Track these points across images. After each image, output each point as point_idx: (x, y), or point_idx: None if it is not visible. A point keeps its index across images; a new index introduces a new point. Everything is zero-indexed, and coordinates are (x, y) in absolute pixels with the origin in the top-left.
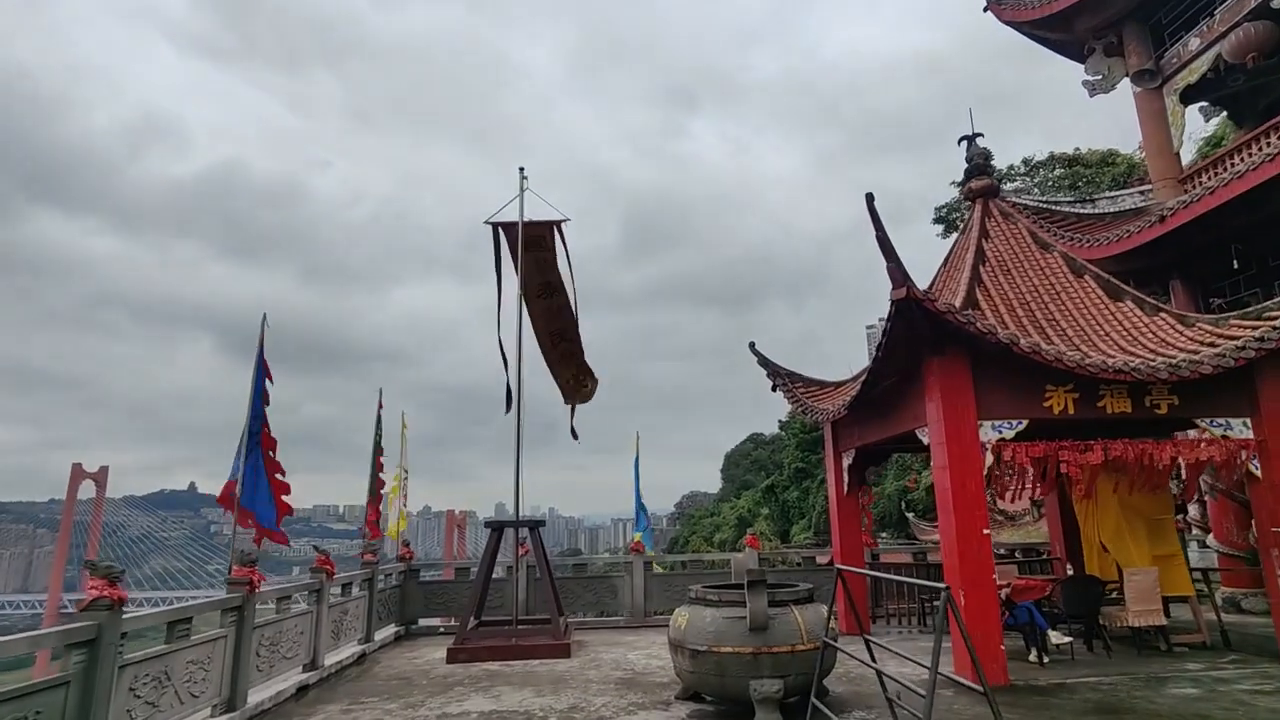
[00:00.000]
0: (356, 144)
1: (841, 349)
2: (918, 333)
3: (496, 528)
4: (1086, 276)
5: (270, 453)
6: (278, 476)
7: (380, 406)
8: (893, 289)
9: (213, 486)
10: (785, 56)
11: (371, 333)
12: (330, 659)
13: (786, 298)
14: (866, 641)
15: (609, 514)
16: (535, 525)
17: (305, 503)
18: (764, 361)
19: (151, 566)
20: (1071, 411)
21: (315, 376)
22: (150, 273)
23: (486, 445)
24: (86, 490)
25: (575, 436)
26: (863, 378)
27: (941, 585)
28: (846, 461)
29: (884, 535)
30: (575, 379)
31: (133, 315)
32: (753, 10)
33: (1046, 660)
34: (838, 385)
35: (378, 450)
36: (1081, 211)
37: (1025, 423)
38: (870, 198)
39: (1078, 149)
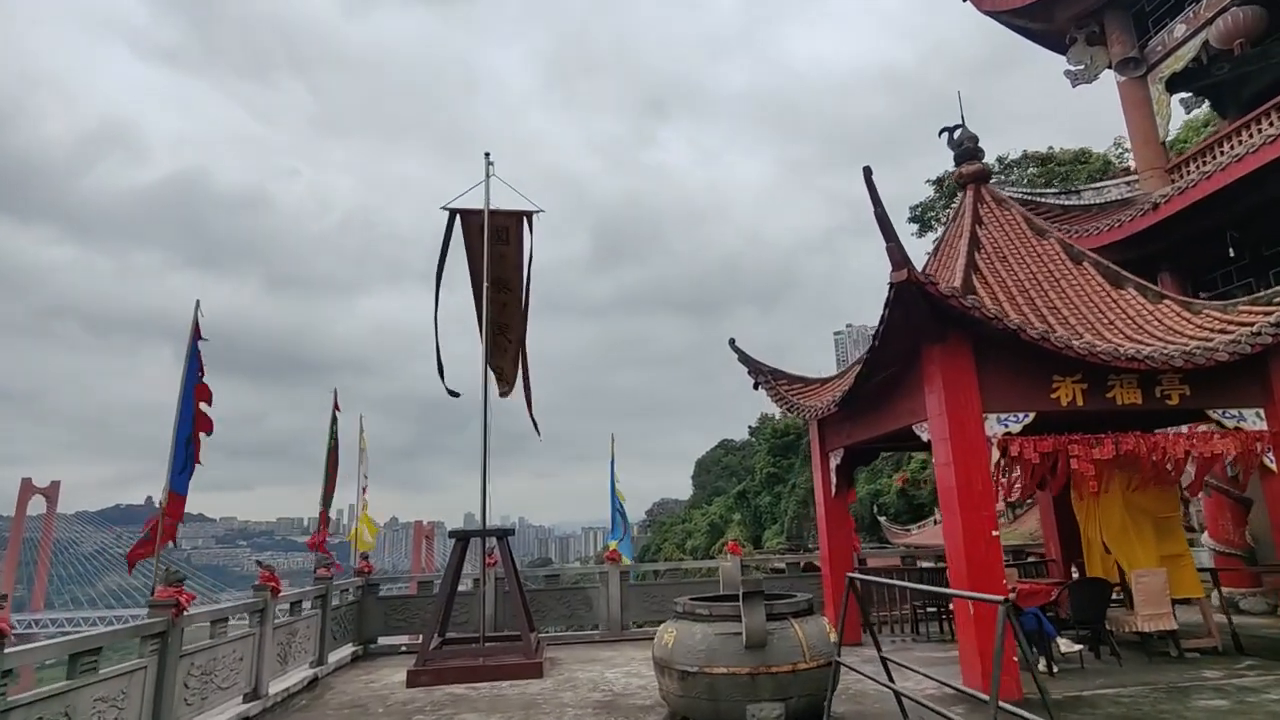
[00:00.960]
0: (325, 152)
1: (809, 357)
2: (917, 320)
3: (461, 538)
4: (1085, 263)
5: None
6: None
7: (335, 408)
8: (892, 271)
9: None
10: (754, 67)
11: (339, 343)
12: (276, 686)
13: (755, 306)
14: (884, 661)
15: (579, 522)
16: (504, 534)
17: (269, 515)
18: (745, 359)
19: (105, 584)
20: (1080, 403)
21: (280, 387)
22: (107, 282)
23: (456, 455)
24: (37, 506)
25: (539, 433)
26: (855, 370)
27: (1001, 599)
28: (834, 462)
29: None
30: (498, 370)
31: (88, 326)
32: (723, 22)
33: (1056, 670)
34: (824, 382)
35: (332, 456)
36: (1066, 203)
37: (1032, 415)
38: (868, 171)
39: (1051, 148)
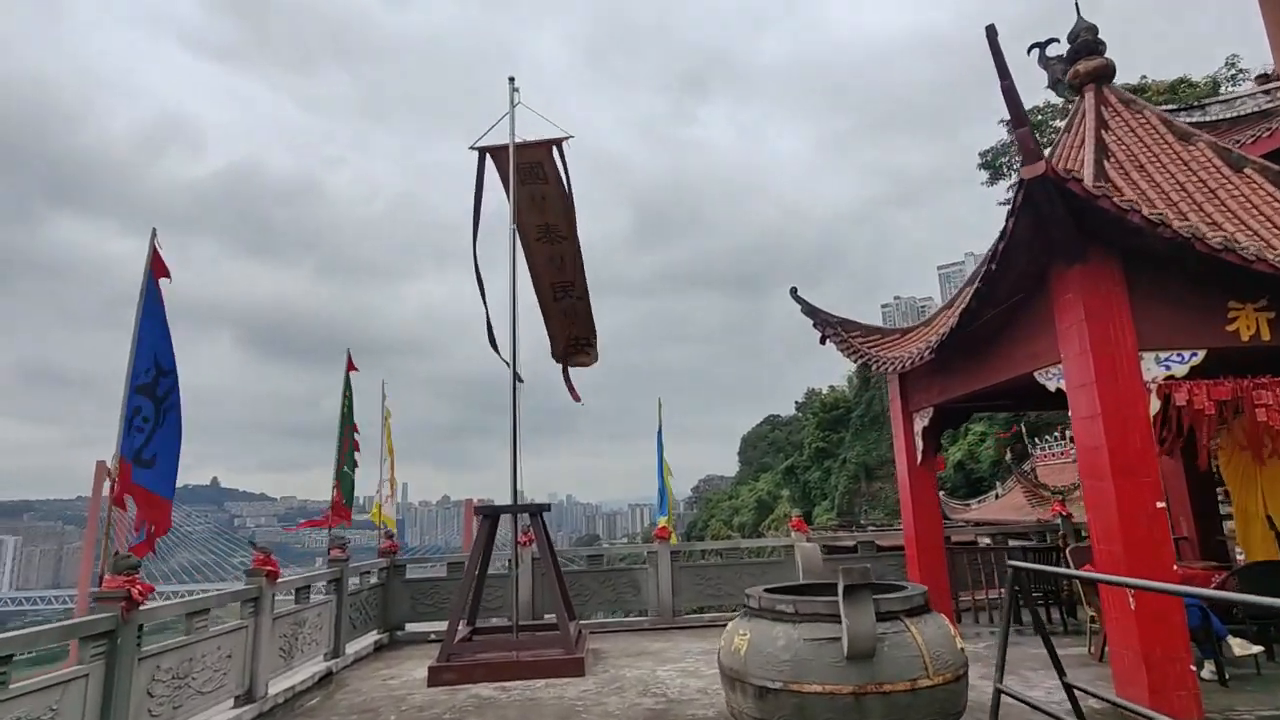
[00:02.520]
0: (370, 140)
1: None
2: (1051, 232)
3: (490, 514)
4: (1249, 170)
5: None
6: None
7: (350, 368)
8: (1023, 163)
9: (235, 480)
10: (795, 39)
11: (389, 326)
12: (278, 685)
13: (797, 281)
14: (1070, 691)
15: (626, 499)
16: (538, 511)
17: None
18: (810, 310)
19: (178, 560)
20: (1266, 337)
21: (335, 371)
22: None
23: (504, 434)
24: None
25: (577, 398)
26: (960, 307)
27: (1196, 592)
28: (920, 423)
29: None
30: (577, 342)
31: None
32: None
33: (1228, 679)
34: (905, 332)
35: (346, 424)
36: (1189, 120)
37: (1202, 354)
38: (991, 31)
39: (1144, 78)
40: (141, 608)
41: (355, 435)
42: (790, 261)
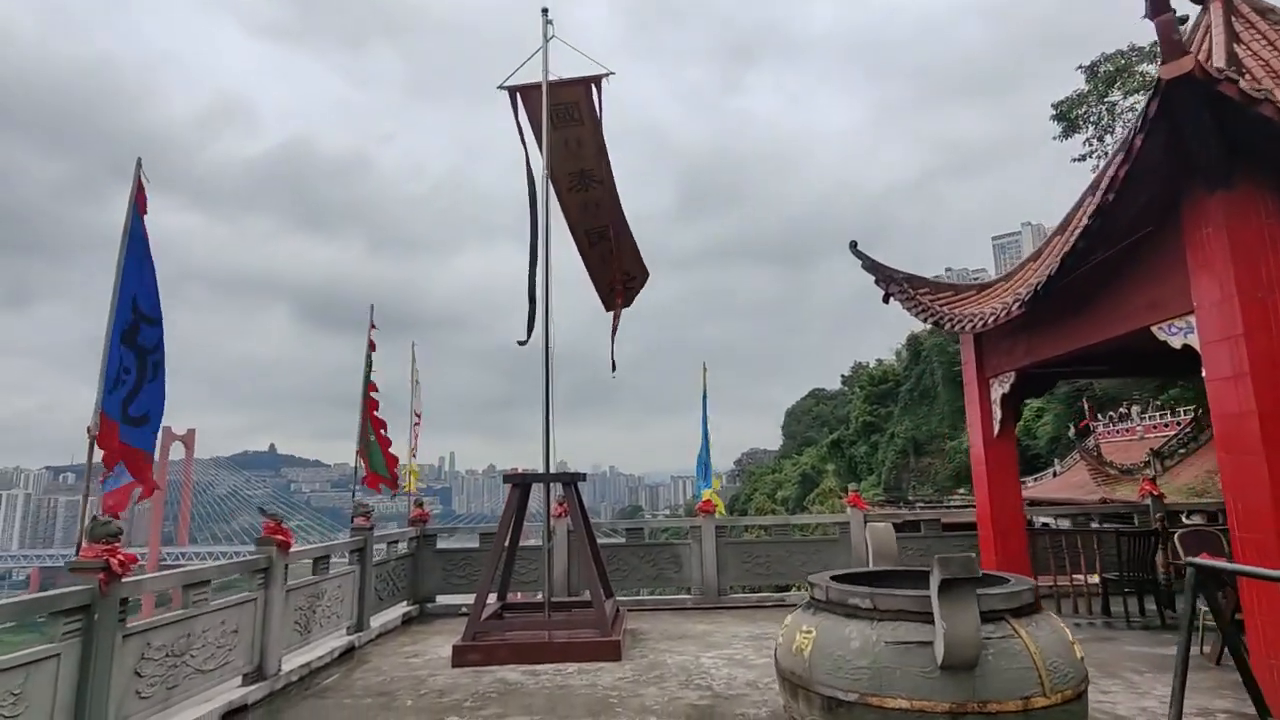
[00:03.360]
0: (417, 116)
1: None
2: (1187, 150)
3: (519, 483)
4: None
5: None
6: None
7: (372, 326)
8: (1162, 60)
9: (291, 447)
10: (847, 4)
11: (437, 300)
12: (294, 661)
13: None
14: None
15: (669, 471)
16: (572, 480)
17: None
18: (872, 265)
19: (239, 522)
20: None
21: (384, 343)
22: (228, 248)
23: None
24: (177, 452)
25: (614, 368)
26: (1062, 249)
27: None
28: (999, 390)
29: (961, 492)
30: (622, 280)
31: (213, 288)
32: None
33: None
34: (983, 287)
35: (368, 387)
36: None
37: None
38: None
39: None
40: (125, 579)
41: (374, 396)
42: (837, 234)
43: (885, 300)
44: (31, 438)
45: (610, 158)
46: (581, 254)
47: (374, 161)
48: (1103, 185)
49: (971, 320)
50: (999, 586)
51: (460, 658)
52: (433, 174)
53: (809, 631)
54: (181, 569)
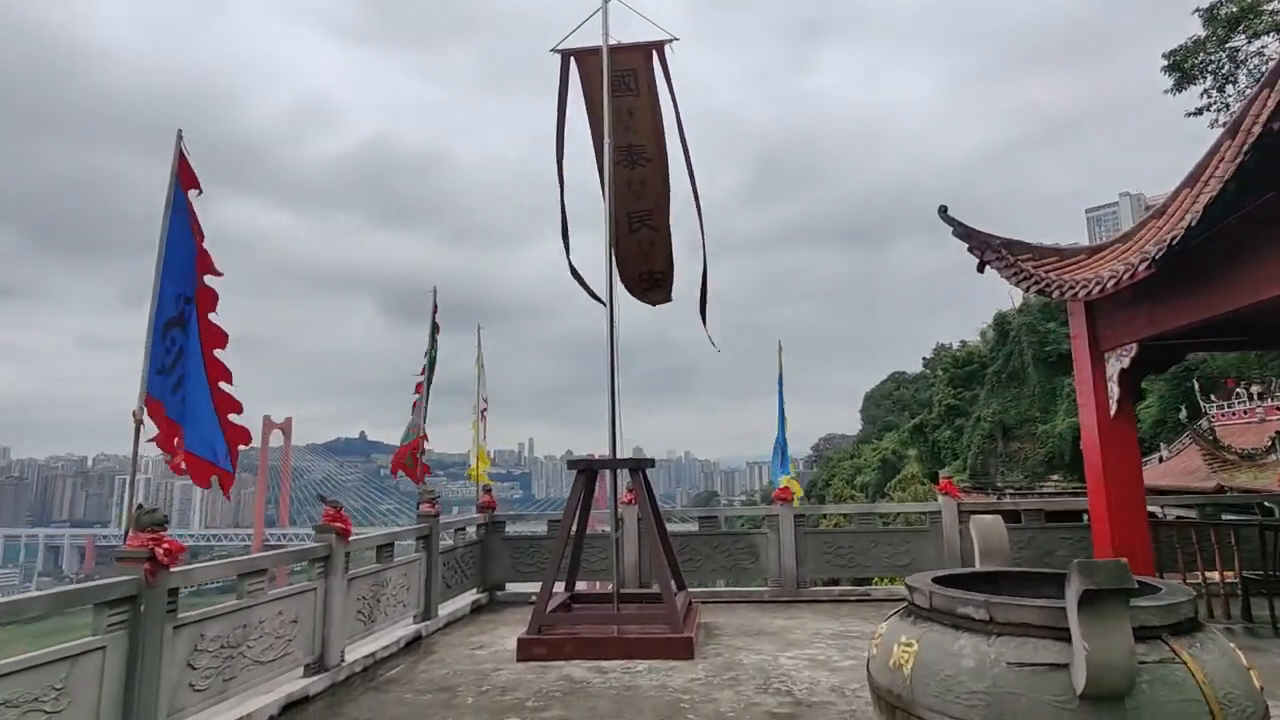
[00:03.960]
0: (492, 109)
1: (984, 283)
2: None
3: (585, 469)
4: None
5: (213, 351)
6: (221, 386)
7: (435, 310)
8: None
9: (380, 434)
10: None
11: (510, 289)
12: (358, 651)
13: (922, 233)
14: None
15: (744, 457)
16: (640, 466)
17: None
18: (964, 232)
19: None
20: None
21: (464, 333)
22: (316, 243)
23: (625, 392)
24: (275, 439)
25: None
26: (1206, 196)
27: None
28: (1117, 365)
29: (1055, 478)
30: (651, 276)
31: (304, 282)
32: None
33: None
34: (1095, 250)
35: (431, 369)
36: None
37: None
38: None
39: None
40: (174, 569)
41: (421, 381)
42: (914, 212)
43: (980, 269)
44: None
45: (670, 141)
46: (616, 238)
47: (450, 155)
48: (1270, 114)
49: (1086, 285)
50: (1148, 597)
51: (525, 652)
52: (506, 165)
53: (909, 644)
54: (235, 558)
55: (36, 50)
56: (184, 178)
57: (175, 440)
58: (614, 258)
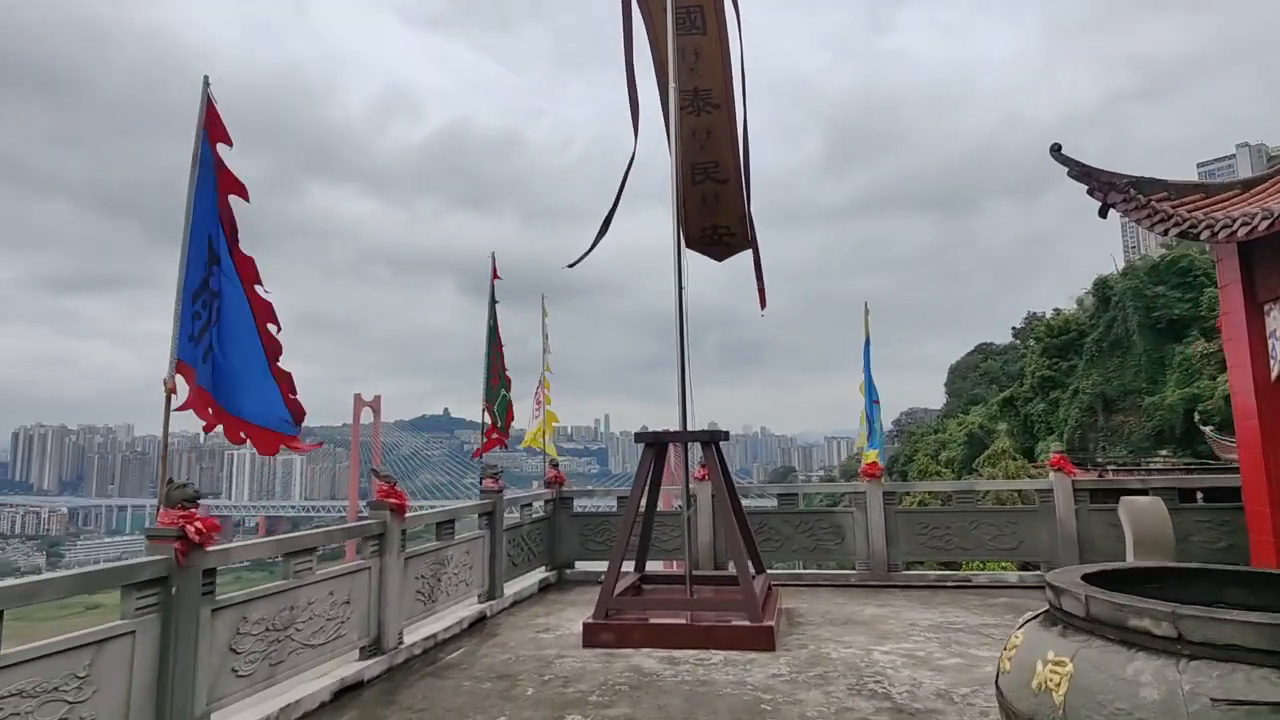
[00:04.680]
0: (565, 89)
1: (1083, 248)
2: None
3: (653, 442)
4: None
5: (266, 326)
6: (279, 364)
7: (494, 276)
8: None
9: (462, 411)
10: None
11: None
12: (418, 633)
13: (1012, 196)
14: None
15: (822, 432)
16: (712, 439)
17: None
18: (1083, 172)
19: (421, 480)
20: None
21: (538, 311)
22: (401, 228)
23: (697, 367)
24: (365, 416)
25: (763, 305)
26: None
27: None
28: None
29: (1163, 453)
30: (715, 232)
31: (390, 266)
32: None
33: None
34: (1249, 185)
35: (494, 341)
36: None
37: None
38: None
39: None
40: (211, 549)
41: (500, 353)
42: (1003, 174)
43: (1103, 213)
44: None
45: (742, 84)
46: (679, 189)
47: (526, 137)
48: None
49: (1248, 223)
50: None
51: (591, 637)
52: (580, 144)
53: (1061, 663)
54: (280, 536)
55: (155, 54)
56: (212, 131)
57: (210, 409)
58: (678, 206)
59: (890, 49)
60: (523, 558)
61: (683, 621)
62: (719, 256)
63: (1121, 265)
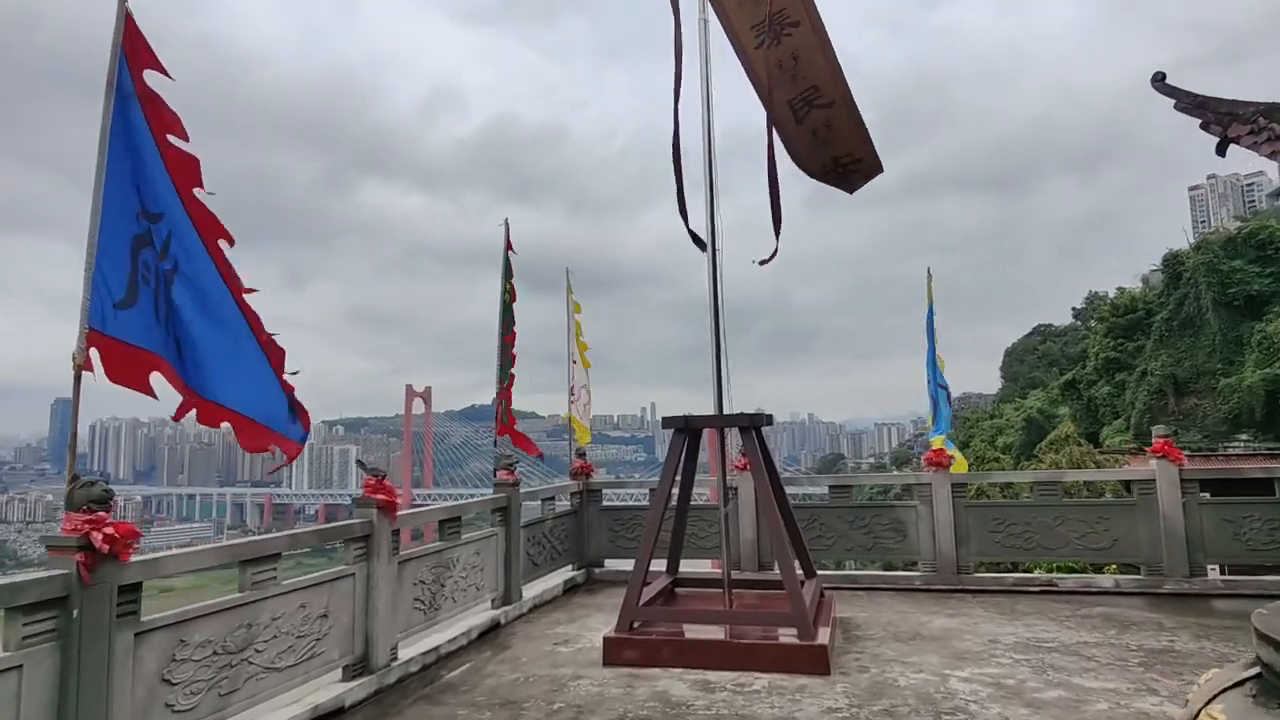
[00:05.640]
0: (607, 80)
1: (1147, 225)
2: None
3: (683, 428)
4: None
5: (243, 297)
6: (273, 338)
7: (508, 246)
8: None
9: (514, 402)
10: None
11: (631, 257)
12: (418, 646)
13: (1070, 173)
14: None
15: (872, 418)
16: (753, 424)
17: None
18: (1198, 101)
19: (471, 469)
20: None
21: (585, 300)
22: (449, 222)
23: (743, 355)
24: (417, 407)
25: (777, 237)
26: None
27: None
28: None
29: (1243, 438)
30: (839, 164)
31: (439, 260)
32: None
33: None
34: None
35: (507, 318)
36: None
37: None
38: None
39: None
40: (133, 560)
41: (513, 328)
42: (1060, 151)
43: (1220, 150)
44: (310, 398)
45: None
46: (784, 138)
47: (570, 129)
48: None
49: None
50: None
51: (612, 654)
52: (624, 135)
53: None
54: (230, 543)
55: (210, 60)
56: (134, 55)
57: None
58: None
59: (940, 24)
60: (545, 556)
61: (720, 637)
62: (850, 188)
63: (1193, 240)
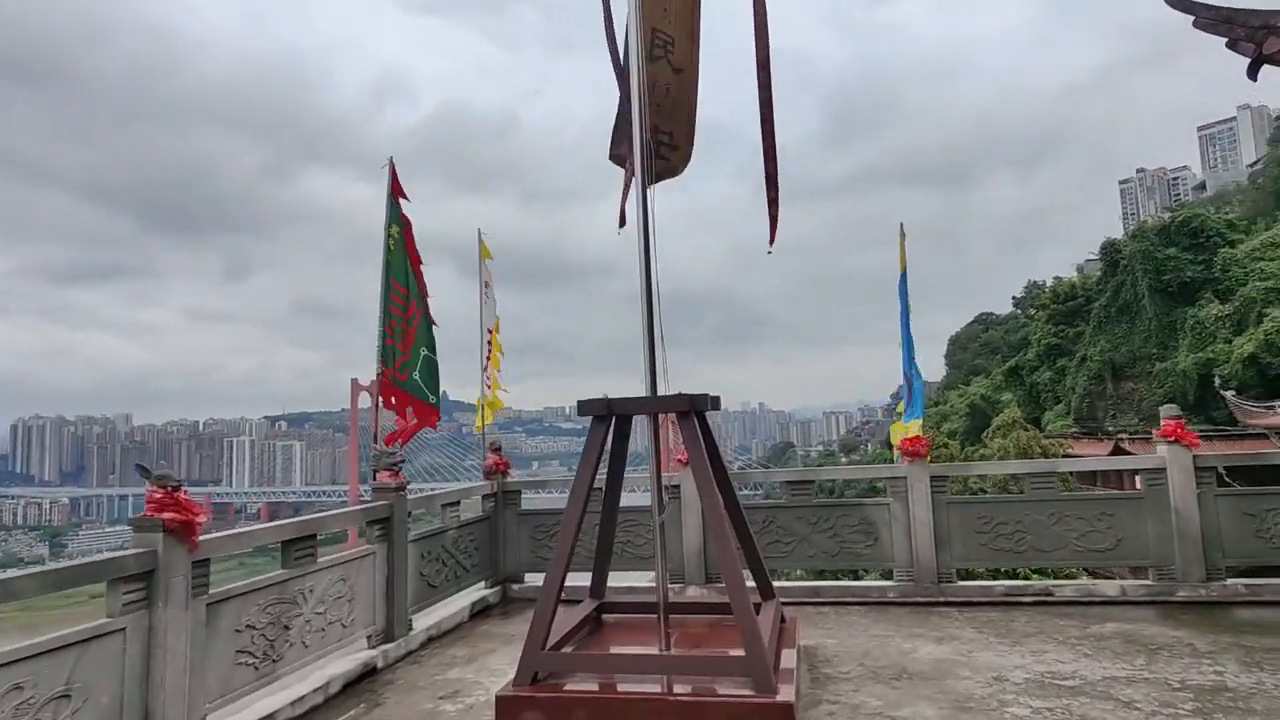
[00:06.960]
0: (561, 70)
1: (1084, 216)
2: None
3: (603, 414)
4: None
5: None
6: None
7: (398, 193)
8: None
9: (460, 394)
10: None
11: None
12: (243, 716)
13: (1012, 168)
14: None
15: (820, 407)
16: (694, 408)
17: (537, 404)
18: (1225, 15)
19: (421, 462)
20: None
21: (540, 291)
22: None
23: (695, 346)
24: (363, 401)
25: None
26: None
27: None
28: None
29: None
30: (660, 138)
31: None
32: None
33: None
34: None
35: (390, 275)
36: None
37: None
38: None
39: None
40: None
41: (411, 299)
42: (1002, 146)
43: (1253, 71)
44: (251, 392)
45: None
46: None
47: (522, 119)
48: None
49: None
50: None
51: (509, 716)
52: (577, 124)
53: None
54: None
55: (150, 45)
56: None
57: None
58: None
59: (887, 21)
60: (446, 576)
61: (655, 690)
62: (653, 179)
63: (1122, 233)
